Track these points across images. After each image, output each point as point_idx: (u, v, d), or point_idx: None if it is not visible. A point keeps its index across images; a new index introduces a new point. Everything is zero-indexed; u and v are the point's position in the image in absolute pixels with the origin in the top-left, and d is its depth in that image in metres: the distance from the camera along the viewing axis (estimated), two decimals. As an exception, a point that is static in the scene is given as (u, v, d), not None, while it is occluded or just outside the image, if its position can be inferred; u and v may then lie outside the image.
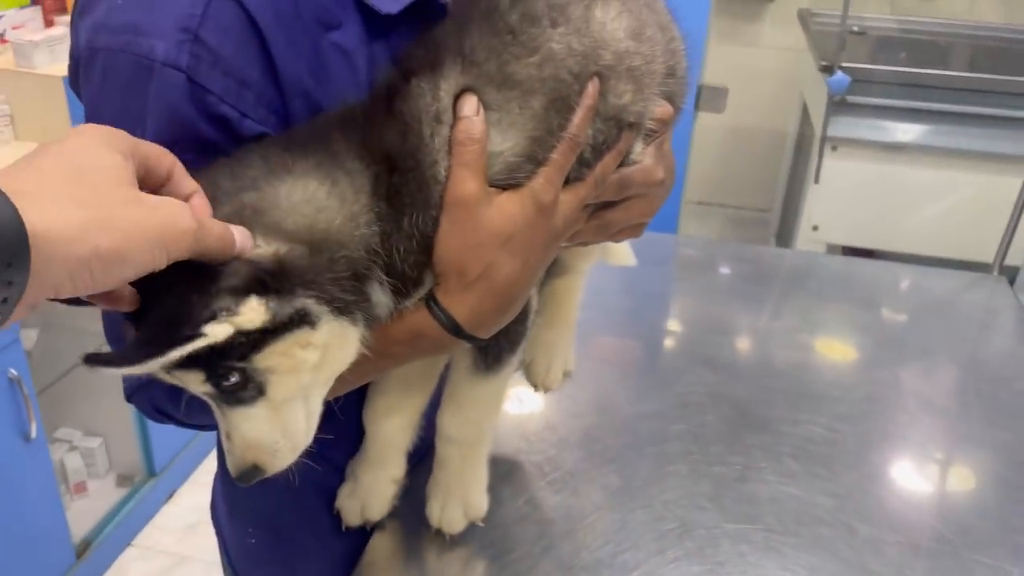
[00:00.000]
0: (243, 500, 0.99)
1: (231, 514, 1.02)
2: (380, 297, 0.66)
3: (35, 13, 2.21)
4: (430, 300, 0.68)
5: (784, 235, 3.42)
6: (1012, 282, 1.60)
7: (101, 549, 2.27)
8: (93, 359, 0.52)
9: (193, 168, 0.59)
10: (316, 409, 0.64)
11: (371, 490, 0.92)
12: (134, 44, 0.61)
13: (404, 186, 0.65)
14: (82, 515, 2.29)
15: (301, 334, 0.59)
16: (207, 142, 0.64)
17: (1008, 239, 1.64)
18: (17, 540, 1.94)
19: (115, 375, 0.55)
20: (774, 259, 1.78)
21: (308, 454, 0.65)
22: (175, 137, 0.62)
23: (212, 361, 0.56)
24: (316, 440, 0.65)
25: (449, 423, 0.85)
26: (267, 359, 0.58)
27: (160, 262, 0.50)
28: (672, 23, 0.78)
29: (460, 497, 0.89)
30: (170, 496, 2.56)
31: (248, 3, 0.63)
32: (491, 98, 0.65)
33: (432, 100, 0.65)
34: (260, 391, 0.59)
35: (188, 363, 0.55)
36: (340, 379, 0.66)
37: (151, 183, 0.55)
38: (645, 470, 1.03)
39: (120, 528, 2.35)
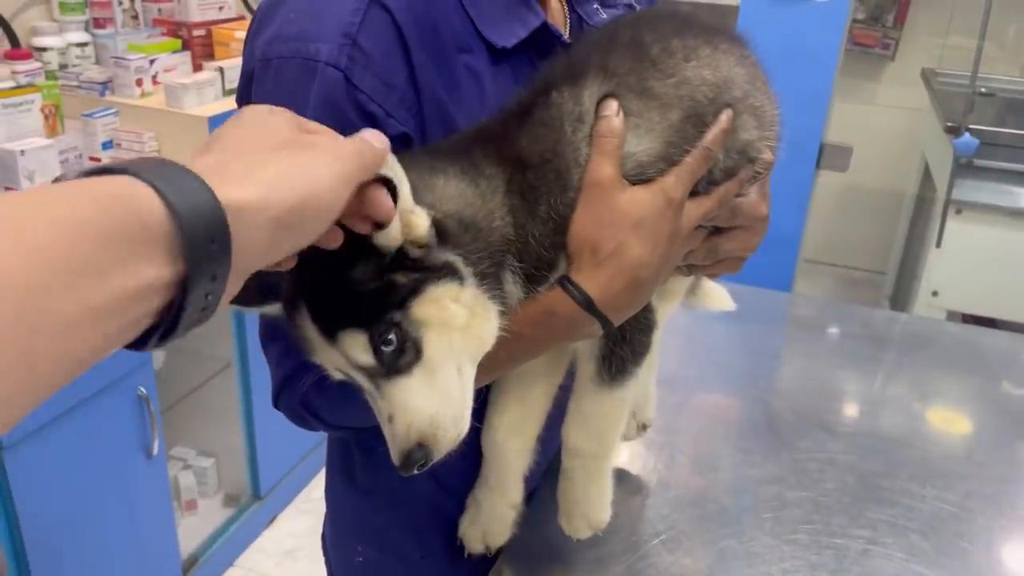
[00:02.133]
0: (354, 517, 1.02)
1: (341, 533, 1.05)
2: (511, 287, 0.72)
3: (185, 58, 2.38)
4: (563, 279, 0.73)
5: (899, 298, 3.30)
6: None
7: (206, 567, 2.36)
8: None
9: None
10: (469, 385, 0.67)
11: (492, 516, 0.94)
12: (303, 49, 0.71)
13: (541, 178, 0.72)
14: (191, 532, 2.38)
15: (452, 286, 0.65)
16: None
17: None
18: (131, 552, 2.04)
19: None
20: (889, 322, 1.73)
21: (428, 475, 0.67)
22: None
23: (376, 314, 0.62)
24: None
25: (573, 435, 0.87)
26: (423, 307, 0.63)
27: (345, 195, 0.52)
28: (768, 83, 0.86)
29: (583, 509, 0.91)
30: (272, 520, 2.64)
31: (399, 18, 0.73)
32: (632, 105, 0.74)
33: (575, 105, 0.74)
34: (417, 352, 0.63)
35: (356, 320, 0.61)
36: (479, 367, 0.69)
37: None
38: (763, 536, 1.01)
39: (225, 547, 2.44)
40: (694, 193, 0.77)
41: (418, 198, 0.64)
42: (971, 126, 2.45)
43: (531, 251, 0.72)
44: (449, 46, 0.76)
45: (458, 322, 0.65)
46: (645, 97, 0.75)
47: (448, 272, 0.65)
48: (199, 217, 0.42)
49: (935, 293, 2.66)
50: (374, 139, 0.56)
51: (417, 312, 0.63)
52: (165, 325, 0.43)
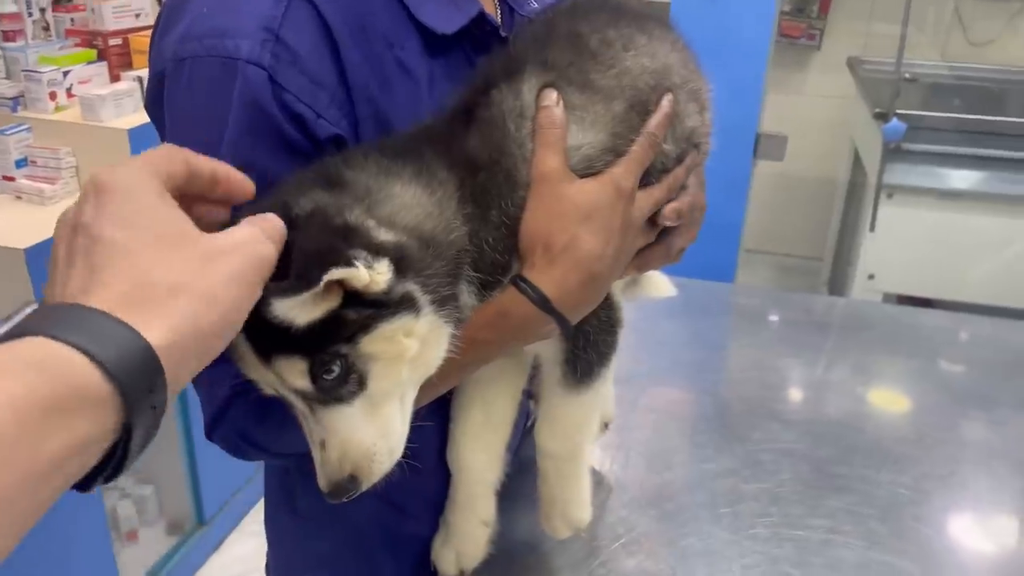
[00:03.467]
0: (299, 545, 0.97)
1: (286, 564, 1.00)
2: (466, 299, 0.69)
3: (101, 68, 2.28)
4: (517, 278, 0.70)
5: (836, 283, 3.36)
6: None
7: (150, 599, 2.26)
8: (269, 292, 0.53)
9: (273, 173, 0.63)
10: (408, 412, 0.64)
11: (464, 536, 0.90)
12: (219, 46, 0.66)
13: (491, 180, 0.70)
14: (134, 563, 2.28)
15: (407, 319, 0.60)
16: (285, 140, 0.67)
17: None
18: (69, 589, 1.94)
19: (288, 308, 0.54)
20: (829, 307, 1.75)
21: (372, 493, 0.63)
22: (255, 134, 0.66)
23: (320, 345, 0.57)
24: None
25: (545, 439, 0.84)
26: (374, 343, 0.59)
27: (259, 290, 0.51)
28: (700, 68, 0.85)
29: (561, 509, 0.88)
30: (218, 546, 2.55)
31: (325, 11, 0.68)
32: (575, 99, 0.72)
33: (515, 100, 0.72)
34: (360, 384, 0.60)
35: (295, 348, 0.57)
36: (423, 384, 0.66)
37: (195, 185, 0.54)
38: (722, 532, 1.00)
39: (169, 577, 2.35)
40: (645, 184, 0.75)
41: (377, 210, 0.61)
42: (898, 111, 2.50)
43: (485, 258, 0.69)
44: (380, 42, 0.72)
45: (409, 354, 0.61)
46: (588, 90, 0.73)
47: (405, 306, 0.60)
48: (134, 370, 0.42)
49: (871, 276, 2.71)
50: (268, 223, 0.54)
51: (367, 347, 0.59)
52: (113, 464, 0.43)
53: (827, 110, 3.58)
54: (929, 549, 0.98)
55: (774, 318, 1.63)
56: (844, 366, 1.42)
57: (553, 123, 0.70)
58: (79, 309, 0.42)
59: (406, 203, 0.64)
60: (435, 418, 0.87)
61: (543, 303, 0.70)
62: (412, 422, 0.67)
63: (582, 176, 0.71)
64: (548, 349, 0.79)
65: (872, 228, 2.64)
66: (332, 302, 0.57)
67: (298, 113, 0.67)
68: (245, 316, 0.50)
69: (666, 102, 0.75)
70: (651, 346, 1.47)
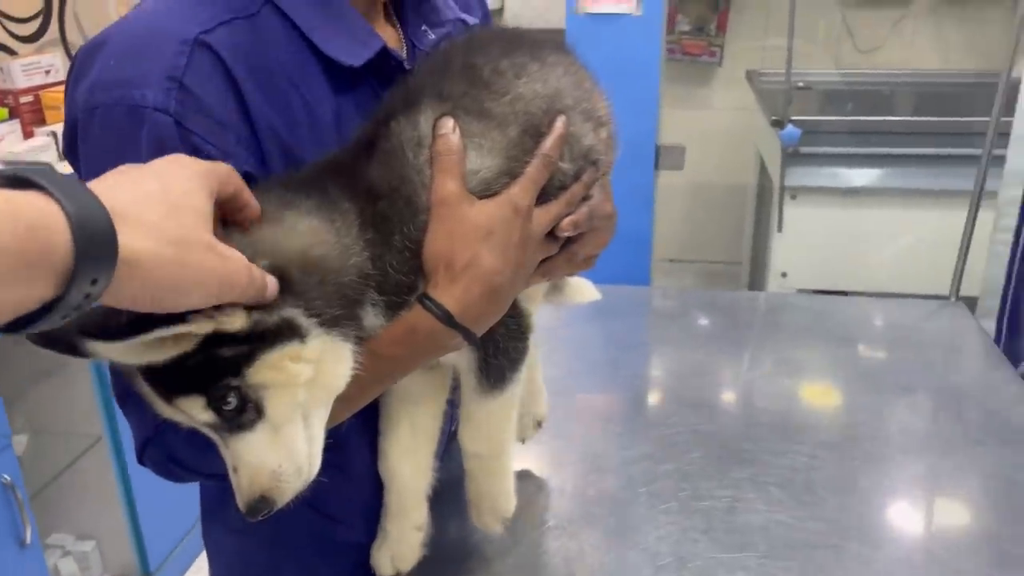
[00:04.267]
0: (239, 561, 1.01)
1: (226, 573, 1.03)
2: (373, 319, 0.72)
3: (14, 126, 2.28)
4: (421, 296, 0.74)
5: (755, 284, 3.51)
6: (972, 309, 1.67)
7: (99, 655, 2.22)
8: (85, 332, 0.56)
9: None
10: (318, 434, 0.68)
11: (399, 540, 0.95)
12: (127, 96, 0.70)
13: (392, 207, 0.74)
14: (78, 621, 2.24)
15: (291, 347, 0.64)
16: None
17: (960, 270, 1.72)
18: (13, 652, 1.90)
19: (107, 352, 0.58)
20: (747, 303, 1.85)
21: (302, 502, 0.67)
22: None
23: (210, 380, 0.61)
24: (309, 488, 0.68)
25: (468, 441, 0.89)
26: (259, 373, 0.62)
27: (210, 303, 0.57)
28: (597, 83, 0.91)
29: (490, 503, 0.94)
30: (166, 595, 2.52)
31: (226, 57, 0.73)
32: (471, 127, 0.77)
33: (413, 131, 0.76)
34: (259, 412, 0.64)
35: (189, 387, 0.61)
36: (341, 399, 0.70)
37: (226, 208, 0.63)
38: (639, 510, 1.07)
39: (117, 632, 2.31)
40: (544, 201, 0.79)
41: (263, 233, 0.64)
42: (793, 118, 2.66)
43: (390, 280, 0.73)
44: (285, 81, 0.77)
45: (302, 379, 0.65)
46: (483, 118, 0.77)
47: (285, 332, 0.63)
48: (98, 245, 0.47)
49: (784, 275, 2.86)
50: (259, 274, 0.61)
51: (254, 377, 0.63)
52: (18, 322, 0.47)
53: (732, 121, 3.76)
54: (821, 507, 1.07)
55: (691, 316, 1.73)
56: (765, 356, 1.51)
57: (450, 149, 0.74)
58: (78, 186, 0.48)
59: (299, 229, 0.68)
60: (366, 431, 0.92)
61: (447, 319, 0.74)
62: (345, 435, 0.72)
63: (481, 198, 0.76)
64: (462, 359, 0.84)
65: (780, 229, 2.79)
66: (184, 345, 0.60)
67: (206, 153, 0.71)
68: (191, 306, 0.56)
69: (559, 124, 0.79)
70: (571, 348, 1.55)
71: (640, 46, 2.05)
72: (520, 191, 0.77)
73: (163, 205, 0.54)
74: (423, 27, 0.93)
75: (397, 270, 0.73)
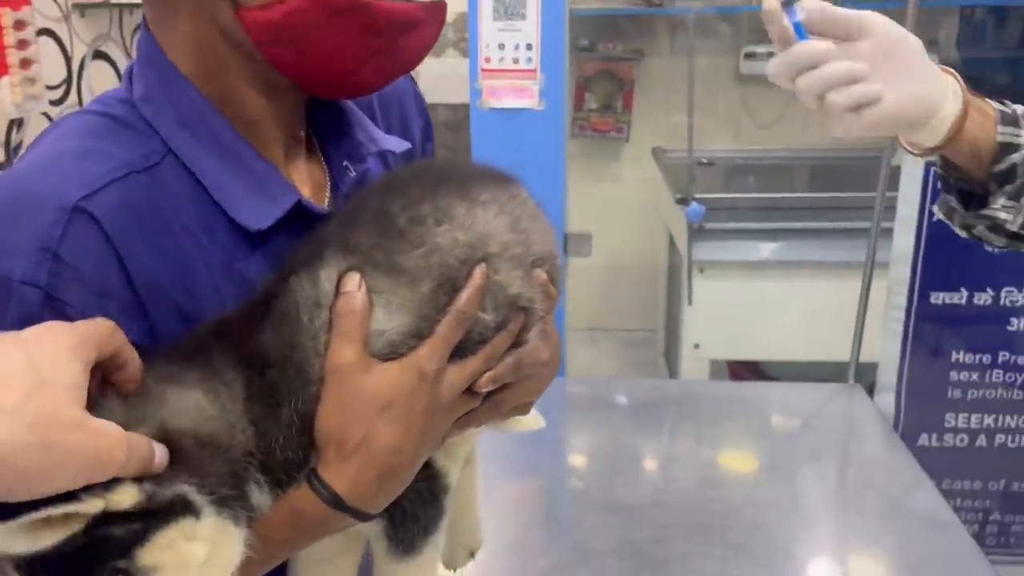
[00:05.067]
0: None
1: None
2: (258, 498, 0.67)
3: None
4: (310, 473, 0.69)
5: (671, 353, 3.59)
6: (871, 391, 1.75)
7: None
8: None
9: None
10: None
11: None
12: None
13: (281, 376, 0.68)
14: None
15: (185, 524, 0.60)
16: None
17: (856, 354, 1.80)
18: None
19: None
20: (661, 390, 1.89)
21: None
22: None
23: (96, 565, 0.57)
24: None
25: None
26: (152, 553, 0.58)
27: (79, 485, 0.54)
28: (541, 213, 0.82)
29: None
30: None
31: (108, 225, 0.67)
32: (379, 283, 0.69)
33: (312, 289, 0.69)
34: None
35: (75, 573, 0.57)
36: None
37: (106, 367, 0.61)
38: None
39: None
40: (462, 355, 0.71)
41: (147, 411, 0.62)
42: (697, 195, 2.76)
43: (276, 459, 0.67)
44: (187, 238, 0.71)
45: (196, 560, 0.61)
46: (393, 273, 0.70)
47: (179, 509, 0.60)
48: None
49: (696, 346, 2.93)
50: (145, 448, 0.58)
51: (146, 559, 0.59)
52: None
53: (642, 195, 3.87)
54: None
55: (608, 404, 1.74)
56: (684, 440, 1.54)
57: (352, 310, 0.68)
58: None
59: (183, 407, 0.64)
60: None
61: (335, 502, 0.68)
62: None
63: (387, 360, 0.69)
64: (367, 525, 0.76)
65: (690, 302, 2.87)
66: (72, 527, 0.56)
67: None
68: (56, 490, 0.53)
69: (476, 275, 0.70)
70: (487, 447, 1.54)
71: (543, 139, 2.10)
72: (428, 353, 0.69)
73: (26, 383, 0.52)
74: (344, 162, 0.85)
75: (284, 447, 0.67)
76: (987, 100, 0.90)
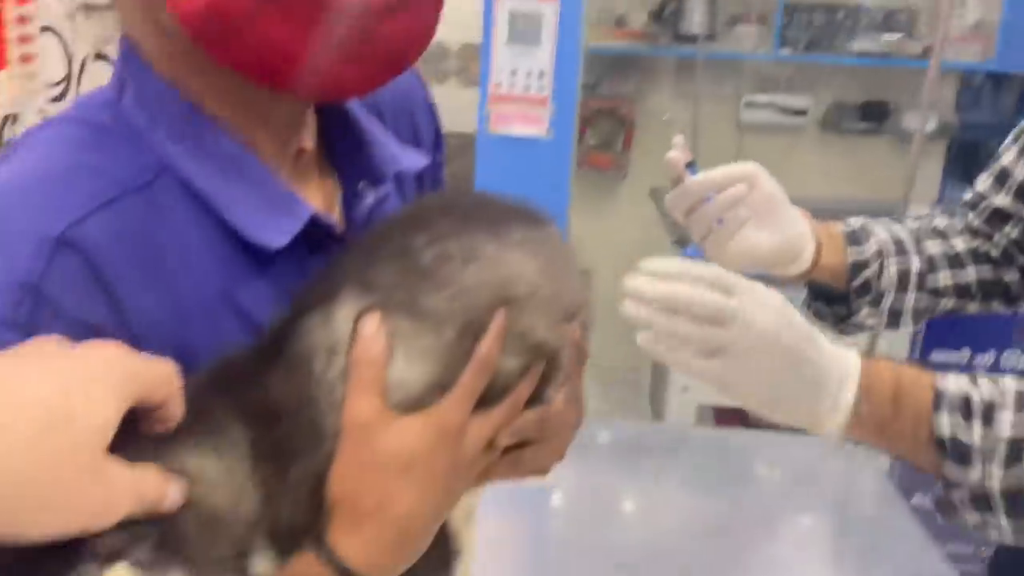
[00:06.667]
0: None
1: None
2: (259, 569, 0.60)
3: None
4: (317, 541, 0.62)
5: (656, 395, 3.55)
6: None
7: None
8: None
9: None
10: None
11: None
12: None
13: (292, 432, 0.61)
14: None
15: None
16: None
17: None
18: None
19: None
20: (650, 435, 1.85)
21: None
22: None
23: None
24: None
25: None
26: None
27: (75, 531, 0.49)
28: (574, 257, 0.75)
29: None
30: None
31: (96, 257, 0.60)
32: (401, 326, 0.63)
33: (326, 333, 0.62)
34: None
35: None
36: None
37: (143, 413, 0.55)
38: None
39: None
40: (484, 405, 0.65)
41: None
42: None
43: (283, 526, 0.61)
44: (186, 265, 0.64)
45: None
46: (417, 316, 0.63)
47: None
48: None
49: (685, 389, 2.90)
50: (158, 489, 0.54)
51: None
52: None
53: (637, 232, 3.86)
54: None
55: (590, 456, 1.69)
56: (665, 487, 1.50)
57: (371, 359, 0.61)
58: None
59: (186, 470, 0.56)
60: None
61: (344, 574, 0.61)
62: None
63: (407, 412, 0.63)
64: None
65: (681, 345, 2.84)
66: None
67: None
68: (63, 535, 0.49)
69: (498, 319, 0.65)
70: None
71: (550, 169, 2.08)
72: (451, 406, 0.63)
73: (51, 416, 0.47)
74: (360, 184, 0.77)
75: (294, 510, 0.60)
76: (830, 223, 1.09)
